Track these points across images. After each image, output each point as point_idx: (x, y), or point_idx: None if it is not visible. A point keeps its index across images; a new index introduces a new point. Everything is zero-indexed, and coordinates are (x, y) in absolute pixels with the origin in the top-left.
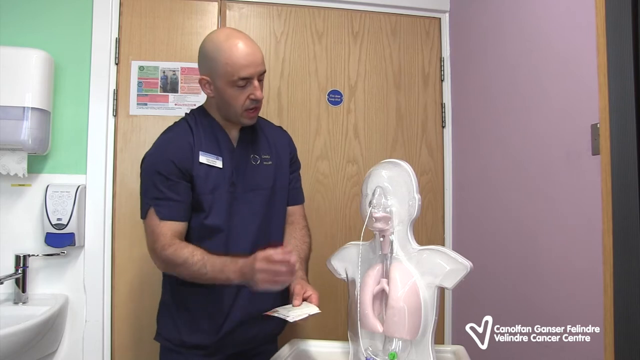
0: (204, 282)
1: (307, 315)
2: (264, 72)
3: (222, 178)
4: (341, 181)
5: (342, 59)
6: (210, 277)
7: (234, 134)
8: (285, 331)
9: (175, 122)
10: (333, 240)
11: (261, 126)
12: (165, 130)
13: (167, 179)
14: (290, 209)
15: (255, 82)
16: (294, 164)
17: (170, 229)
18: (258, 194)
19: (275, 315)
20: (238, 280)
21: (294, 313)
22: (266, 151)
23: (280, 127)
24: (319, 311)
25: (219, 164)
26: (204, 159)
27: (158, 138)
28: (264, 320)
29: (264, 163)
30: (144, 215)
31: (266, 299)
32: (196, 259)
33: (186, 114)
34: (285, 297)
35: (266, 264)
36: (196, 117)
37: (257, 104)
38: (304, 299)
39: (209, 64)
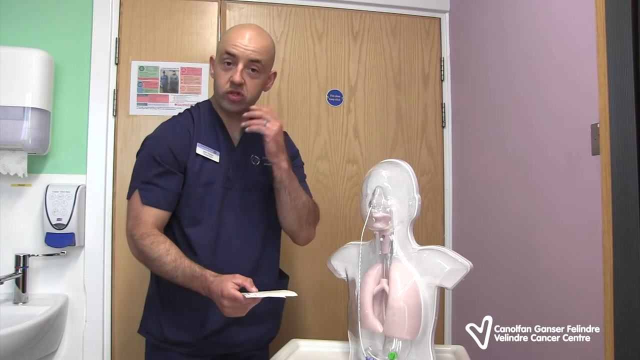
0: (175, 283)
1: (274, 296)
2: (256, 61)
3: (218, 173)
4: (341, 181)
5: (342, 59)
6: (180, 281)
7: (235, 132)
8: (278, 338)
9: (180, 112)
10: (333, 240)
11: None
12: (169, 119)
13: (160, 165)
14: None
15: (239, 66)
16: (295, 160)
17: (153, 215)
18: (255, 194)
19: (252, 296)
20: (205, 295)
21: (267, 293)
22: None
23: (284, 132)
24: (294, 294)
25: (215, 158)
26: (200, 150)
27: (160, 125)
28: (254, 326)
29: (265, 164)
30: (129, 195)
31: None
32: (169, 259)
33: (191, 105)
34: (276, 302)
35: (232, 303)
36: (200, 110)
37: (235, 87)
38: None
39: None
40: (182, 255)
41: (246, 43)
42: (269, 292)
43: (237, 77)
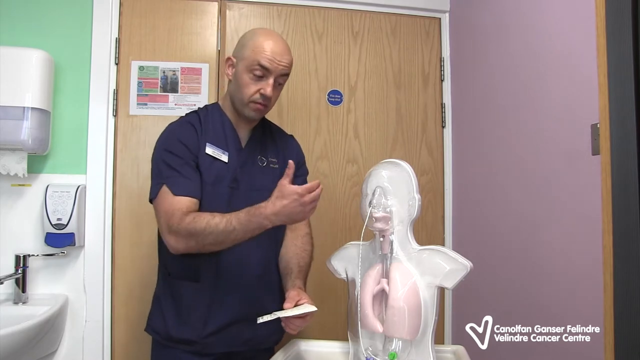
0: (231, 243)
1: (293, 314)
2: (285, 75)
3: (225, 173)
4: (341, 181)
5: (342, 59)
6: (240, 231)
7: (243, 134)
8: (283, 340)
9: (187, 113)
10: (333, 240)
11: (272, 131)
12: (176, 120)
13: (179, 158)
14: None
15: (270, 80)
16: (300, 169)
17: (185, 204)
18: (261, 195)
19: (267, 319)
20: (271, 223)
21: (285, 312)
22: (274, 155)
23: (292, 136)
24: (315, 309)
25: (224, 158)
26: (210, 150)
27: (168, 125)
28: (258, 324)
29: (271, 165)
30: (154, 195)
31: (257, 300)
32: (218, 220)
33: (199, 107)
34: (277, 300)
35: (302, 197)
36: (208, 111)
37: (264, 100)
38: (297, 305)
39: (240, 48)
40: (227, 213)
41: (280, 58)
42: (286, 311)
43: (269, 91)
